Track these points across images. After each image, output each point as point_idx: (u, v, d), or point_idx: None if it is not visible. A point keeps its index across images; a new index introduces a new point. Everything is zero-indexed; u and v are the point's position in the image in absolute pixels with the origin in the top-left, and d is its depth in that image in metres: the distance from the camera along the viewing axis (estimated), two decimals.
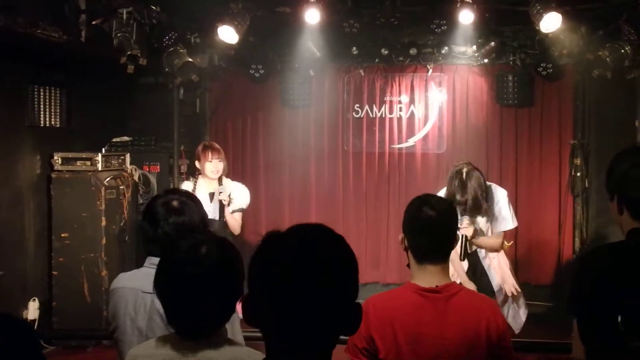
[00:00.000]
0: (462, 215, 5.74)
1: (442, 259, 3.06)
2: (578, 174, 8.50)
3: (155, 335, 2.85)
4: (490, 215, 5.91)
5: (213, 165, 6.69)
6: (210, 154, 6.71)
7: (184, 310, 2.38)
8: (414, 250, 3.05)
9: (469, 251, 5.79)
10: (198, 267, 2.34)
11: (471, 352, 2.97)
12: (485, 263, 6.06)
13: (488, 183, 5.92)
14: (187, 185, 6.80)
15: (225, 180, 6.81)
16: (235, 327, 2.91)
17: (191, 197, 3.21)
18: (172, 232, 3.00)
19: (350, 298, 1.66)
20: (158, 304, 2.86)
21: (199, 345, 2.37)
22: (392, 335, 2.96)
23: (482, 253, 6.05)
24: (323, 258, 1.62)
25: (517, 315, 6.13)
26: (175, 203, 3.07)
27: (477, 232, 5.83)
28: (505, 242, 6.11)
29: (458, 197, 5.59)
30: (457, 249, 5.55)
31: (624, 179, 2.78)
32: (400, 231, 3.13)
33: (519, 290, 6.11)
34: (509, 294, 6.04)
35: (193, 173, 8.42)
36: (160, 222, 3.03)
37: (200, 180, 6.83)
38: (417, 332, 2.96)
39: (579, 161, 8.48)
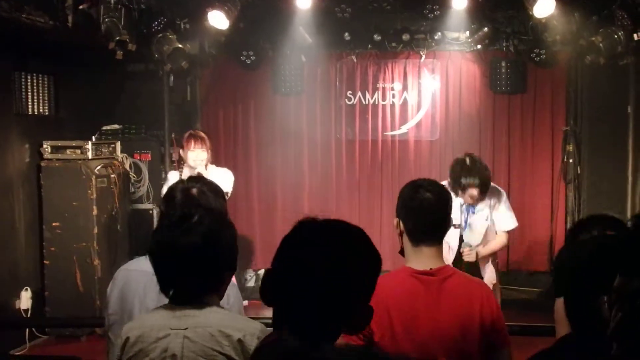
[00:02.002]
0: (465, 208, 5.77)
1: (437, 241, 3.07)
2: (570, 161, 8.51)
3: None
4: (495, 210, 5.92)
5: (195, 155, 6.57)
6: (193, 143, 6.59)
7: (173, 277, 2.48)
8: (409, 233, 3.04)
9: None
10: (187, 235, 2.43)
11: (465, 335, 2.98)
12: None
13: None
14: (173, 175, 6.68)
15: (211, 167, 6.69)
16: (230, 300, 2.94)
17: (213, 188, 3.23)
18: None
19: (365, 300, 1.75)
20: None
21: (187, 312, 2.46)
22: (387, 318, 2.96)
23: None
24: (352, 260, 1.69)
25: None
26: (194, 191, 3.12)
27: (478, 255, 5.82)
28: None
29: (464, 180, 5.58)
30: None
31: None
32: (394, 216, 3.12)
33: (494, 282, 6.07)
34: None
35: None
36: (177, 208, 3.04)
37: (186, 169, 6.69)
38: (412, 314, 2.97)
39: (571, 147, 8.48)
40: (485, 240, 5.97)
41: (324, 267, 1.63)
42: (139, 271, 3.11)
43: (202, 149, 6.59)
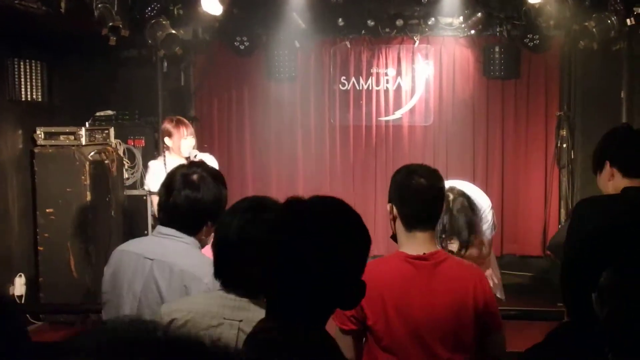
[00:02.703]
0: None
1: (431, 226, 3.09)
2: (564, 146, 8.52)
3: (148, 301, 2.93)
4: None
5: (188, 142, 6.30)
6: (184, 130, 6.31)
7: (234, 266, 2.43)
8: (403, 219, 3.06)
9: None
10: (260, 225, 2.35)
11: (459, 319, 3.01)
12: None
13: (472, 193, 5.72)
14: (156, 165, 6.46)
15: (193, 152, 6.33)
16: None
17: (214, 176, 3.17)
18: (183, 204, 3.02)
19: (357, 274, 1.72)
20: (157, 272, 2.98)
21: (241, 304, 2.41)
22: (381, 303, 2.99)
23: None
24: (339, 232, 1.68)
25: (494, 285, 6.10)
26: (194, 177, 3.07)
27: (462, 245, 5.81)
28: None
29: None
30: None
31: (615, 143, 3.23)
32: (387, 202, 3.14)
33: (499, 278, 6.09)
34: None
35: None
36: (174, 192, 3.03)
37: (169, 157, 6.39)
38: (405, 299, 3.00)
39: (565, 133, 8.49)
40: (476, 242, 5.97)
41: (315, 255, 1.62)
42: (130, 252, 3.11)
43: (192, 135, 6.36)
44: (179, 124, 6.38)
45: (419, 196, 3.02)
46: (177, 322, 2.43)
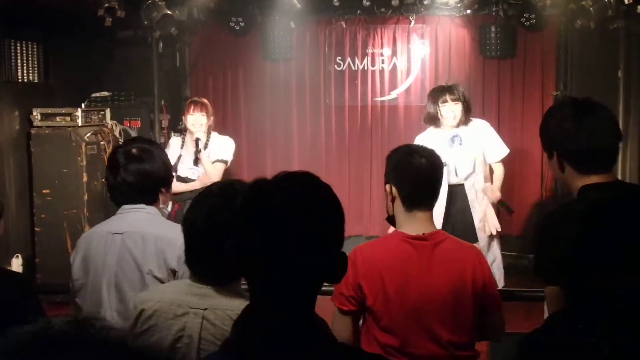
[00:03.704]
0: (451, 140, 5.90)
1: (430, 206, 3.12)
2: None
3: (125, 274, 3.00)
4: (483, 139, 6.03)
5: (194, 119, 6.47)
6: (192, 107, 6.53)
7: (204, 253, 2.39)
8: (405, 198, 3.08)
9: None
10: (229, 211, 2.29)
11: (458, 299, 3.03)
12: (470, 196, 6.10)
13: None
14: (175, 141, 6.73)
15: (213, 134, 6.64)
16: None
17: (154, 145, 3.29)
18: (132, 178, 3.09)
19: (336, 246, 1.67)
20: (130, 243, 3.04)
21: (207, 291, 2.38)
22: (380, 283, 3.01)
23: (467, 184, 6.09)
24: (310, 205, 1.63)
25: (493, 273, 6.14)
26: (134, 151, 3.12)
27: (492, 190, 5.99)
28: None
29: (443, 96, 5.99)
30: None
31: (560, 134, 2.69)
32: (385, 183, 3.15)
33: (500, 229, 6.14)
34: (492, 232, 6.05)
35: (174, 128, 8.37)
36: (120, 170, 3.09)
37: (188, 137, 6.65)
38: (405, 279, 3.02)
39: None
40: (474, 172, 6.05)
41: (289, 232, 1.57)
42: (97, 233, 3.19)
43: (201, 113, 6.48)
44: (190, 102, 6.69)
45: (421, 176, 3.05)
46: (145, 313, 2.43)
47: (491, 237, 6.13)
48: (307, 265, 1.60)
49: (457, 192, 6.10)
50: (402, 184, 3.08)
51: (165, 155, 3.30)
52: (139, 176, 3.09)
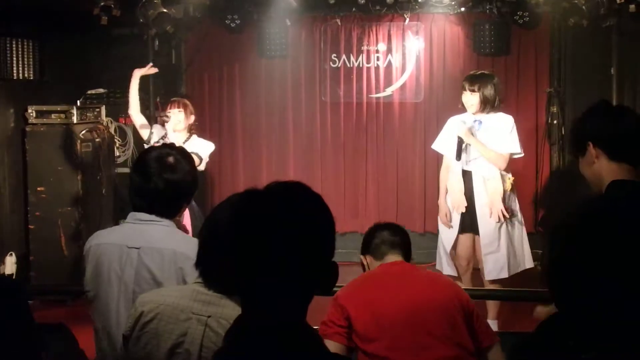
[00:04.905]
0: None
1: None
2: (554, 122, 8.56)
3: (143, 290, 2.82)
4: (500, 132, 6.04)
5: (173, 115, 6.31)
6: (170, 104, 6.44)
7: (216, 260, 2.39)
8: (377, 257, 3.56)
9: (464, 153, 6.04)
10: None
11: (445, 310, 3.26)
12: (478, 181, 6.08)
13: None
14: (158, 129, 6.49)
15: (193, 136, 6.45)
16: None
17: (185, 156, 3.12)
18: (163, 187, 2.95)
19: (327, 256, 1.66)
20: (147, 259, 2.90)
21: (212, 299, 2.36)
22: (372, 318, 3.23)
23: (477, 172, 6.08)
24: (301, 215, 1.62)
25: (497, 261, 6.12)
26: (170, 159, 2.99)
27: (472, 133, 5.98)
28: (509, 177, 6.16)
29: (465, 84, 6.05)
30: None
31: (599, 122, 2.93)
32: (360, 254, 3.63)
33: (507, 215, 6.11)
34: (499, 218, 6.02)
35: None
36: (153, 177, 2.95)
37: (155, 128, 6.51)
38: (388, 293, 3.28)
39: (555, 109, 8.53)
40: (479, 157, 6.07)
41: (280, 243, 1.58)
42: (109, 244, 3.02)
43: (178, 109, 6.36)
44: (172, 100, 6.55)
45: (387, 242, 3.51)
46: (145, 315, 2.41)
47: (500, 223, 6.06)
48: (298, 275, 1.60)
49: (465, 178, 6.12)
50: (374, 251, 3.56)
51: (194, 168, 3.15)
52: (169, 187, 2.96)
